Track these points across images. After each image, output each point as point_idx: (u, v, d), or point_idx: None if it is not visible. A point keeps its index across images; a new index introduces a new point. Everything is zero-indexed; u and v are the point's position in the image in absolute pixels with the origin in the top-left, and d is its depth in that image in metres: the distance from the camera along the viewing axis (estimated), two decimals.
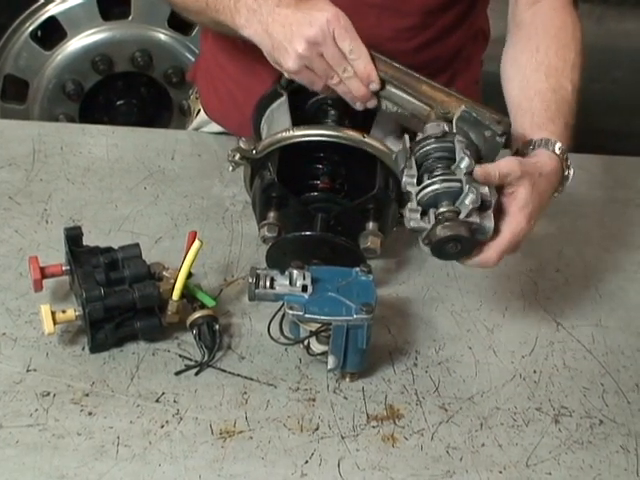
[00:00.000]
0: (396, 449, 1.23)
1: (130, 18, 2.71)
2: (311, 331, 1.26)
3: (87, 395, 1.25)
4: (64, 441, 1.18)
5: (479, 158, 1.26)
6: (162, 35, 2.73)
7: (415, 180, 1.25)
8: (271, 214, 1.40)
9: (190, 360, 1.31)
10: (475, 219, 1.21)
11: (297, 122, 1.44)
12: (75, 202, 1.58)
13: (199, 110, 1.88)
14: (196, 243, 1.29)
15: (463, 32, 1.70)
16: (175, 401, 1.25)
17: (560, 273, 1.55)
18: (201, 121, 1.87)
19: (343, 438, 1.23)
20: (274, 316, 1.30)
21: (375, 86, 1.36)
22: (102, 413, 1.22)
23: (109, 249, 1.33)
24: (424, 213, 1.23)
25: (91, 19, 2.69)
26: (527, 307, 1.48)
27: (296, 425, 1.24)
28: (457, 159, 1.24)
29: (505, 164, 1.25)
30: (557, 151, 1.33)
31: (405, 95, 1.37)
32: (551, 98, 1.39)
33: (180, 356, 1.32)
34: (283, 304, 1.27)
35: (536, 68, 1.44)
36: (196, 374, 1.29)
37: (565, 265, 1.57)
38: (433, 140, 1.27)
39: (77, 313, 1.27)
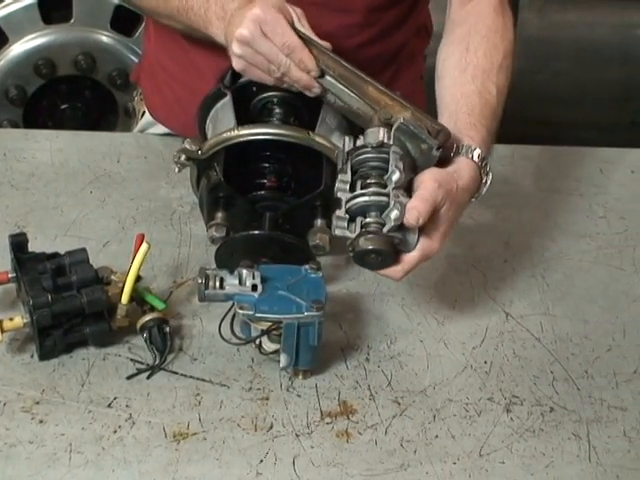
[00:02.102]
0: (350, 444, 1.23)
1: (72, 21, 2.69)
2: (262, 330, 1.26)
3: (38, 403, 1.24)
4: (16, 450, 1.17)
5: (415, 168, 1.28)
6: (105, 37, 2.71)
7: (348, 187, 1.27)
8: (219, 214, 1.40)
9: (141, 364, 1.30)
10: (398, 234, 1.23)
11: (242, 121, 1.44)
12: (20, 208, 1.57)
13: (144, 112, 1.87)
14: (144, 246, 1.28)
15: (406, 29, 1.71)
16: (127, 405, 1.24)
17: (508, 264, 1.57)
18: (146, 122, 1.86)
19: (297, 436, 1.23)
20: (225, 316, 1.30)
21: (314, 74, 1.38)
22: (53, 420, 1.21)
23: (56, 255, 1.32)
24: (352, 220, 1.25)
25: (32, 23, 2.67)
26: (476, 298, 1.49)
27: (250, 425, 1.24)
28: (389, 171, 1.25)
29: (431, 197, 1.24)
30: (476, 158, 1.34)
31: (351, 93, 1.38)
32: (476, 102, 1.40)
33: (131, 360, 1.31)
34: (233, 304, 1.27)
35: (464, 69, 1.45)
36: (148, 377, 1.29)
37: (512, 256, 1.58)
38: (370, 149, 1.28)
39: (25, 320, 1.26)
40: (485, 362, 1.38)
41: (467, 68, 1.45)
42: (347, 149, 1.30)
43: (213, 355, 1.33)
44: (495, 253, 1.59)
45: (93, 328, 1.29)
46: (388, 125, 1.31)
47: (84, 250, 1.32)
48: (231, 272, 1.29)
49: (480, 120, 1.39)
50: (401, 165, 1.24)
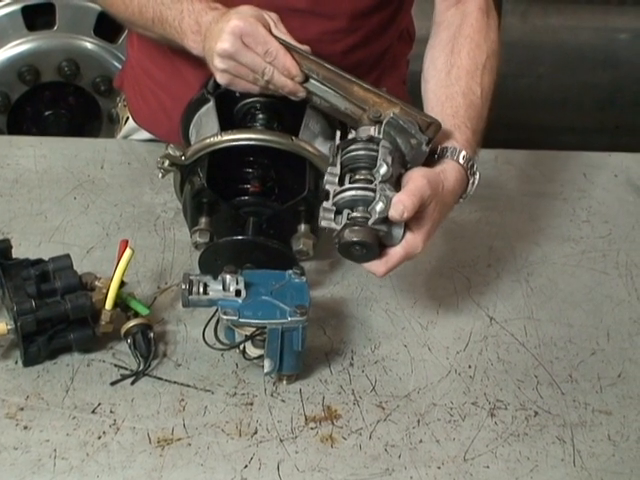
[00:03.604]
0: (335, 449, 1.23)
1: (55, 28, 2.69)
2: (246, 335, 1.26)
3: (22, 409, 1.23)
4: (0, 456, 1.17)
5: (404, 164, 1.28)
6: (88, 44, 2.71)
7: (337, 179, 1.27)
8: (202, 220, 1.40)
9: (126, 369, 1.30)
10: (383, 227, 1.23)
11: (225, 127, 1.44)
12: (4, 214, 1.56)
13: (127, 117, 1.87)
14: (128, 251, 1.28)
15: (390, 34, 1.71)
16: (112, 411, 1.24)
17: (492, 268, 1.57)
18: (130, 128, 1.86)
19: (282, 441, 1.23)
20: (209, 322, 1.30)
21: (299, 79, 1.39)
22: (38, 427, 1.21)
23: (40, 261, 1.32)
24: (338, 212, 1.25)
25: (16, 30, 2.67)
26: (460, 303, 1.49)
27: (234, 430, 1.24)
28: (377, 165, 1.25)
29: (419, 192, 1.24)
30: (461, 160, 1.34)
31: (337, 95, 1.39)
32: (460, 103, 1.41)
33: (115, 366, 1.31)
34: (217, 309, 1.27)
35: (449, 71, 1.45)
36: (132, 383, 1.28)
37: (496, 260, 1.59)
38: (359, 143, 1.28)
39: (9, 327, 1.26)
40: (469, 366, 1.38)
41: (451, 70, 1.45)
42: (337, 142, 1.30)
43: (197, 361, 1.33)
44: (479, 257, 1.59)
45: (77, 334, 1.29)
46: (378, 123, 1.31)
47: (68, 256, 1.32)
48: (215, 277, 1.29)
49: (465, 122, 1.40)
50: (389, 159, 1.25)
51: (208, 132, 1.44)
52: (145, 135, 1.82)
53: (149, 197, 1.65)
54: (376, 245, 1.24)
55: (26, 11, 2.66)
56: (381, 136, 1.28)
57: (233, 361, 1.33)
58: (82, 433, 1.21)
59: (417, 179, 1.25)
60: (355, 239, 1.22)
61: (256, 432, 1.24)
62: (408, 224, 1.26)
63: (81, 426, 1.22)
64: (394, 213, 1.22)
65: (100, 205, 1.61)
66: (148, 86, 1.77)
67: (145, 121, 1.81)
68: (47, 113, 2.79)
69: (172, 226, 1.58)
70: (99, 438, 1.21)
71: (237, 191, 1.44)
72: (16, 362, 1.29)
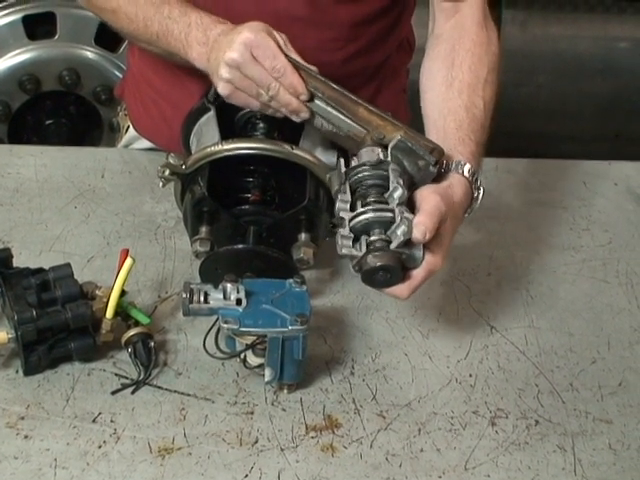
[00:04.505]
0: (335, 458, 1.23)
1: (56, 37, 2.70)
2: (247, 344, 1.26)
3: (22, 418, 1.23)
4: (1, 465, 1.17)
5: (412, 185, 1.28)
6: (89, 53, 2.72)
7: (348, 206, 1.26)
8: (203, 229, 1.40)
9: (126, 378, 1.30)
10: (405, 249, 1.23)
11: (226, 136, 1.44)
12: (4, 224, 1.57)
13: (128, 126, 1.87)
14: (128, 261, 1.28)
15: (389, 43, 1.72)
16: (112, 421, 1.24)
17: (492, 277, 1.57)
18: (130, 137, 1.86)
19: (282, 450, 1.23)
20: (209, 331, 1.30)
21: (304, 97, 1.38)
22: (38, 436, 1.21)
23: (40, 270, 1.32)
24: (356, 240, 1.24)
25: (17, 39, 2.67)
26: (461, 311, 1.49)
27: (235, 439, 1.24)
28: (390, 188, 1.25)
29: (436, 210, 1.24)
30: (466, 174, 1.34)
31: (341, 116, 1.38)
32: (463, 117, 1.41)
33: (116, 375, 1.31)
34: (218, 318, 1.27)
35: (450, 84, 1.45)
36: (133, 392, 1.28)
37: (496, 269, 1.59)
38: (368, 167, 1.28)
39: (9, 336, 1.26)
40: (470, 375, 1.38)
41: (453, 83, 1.45)
42: (343, 169, 1.30)
43: (198, 370, 1.33)
44: (479, 266, 1.59)
45: (78, 343, 1.29)
46: (381, 145, 1.31)
47: (68, 265, 1.32)
48: (215, 286, 1.29)
49: (469, 135, 1.40)
50: (401, 181, 1.25)
51: (209, 141, 1.44)
52: (146, 144, 1.82)
53: (150, 206, 1.65)
54: (400, 269, 1.23)
55: (27, 20, 2.67)
56: (389, 159, 1.28)
57: (234, 370, 1.33)
58: (83, 442, 1.21)
59: (431, 198, 1.25)
60: (379, 264, 1.21)
61: (257, 441, 1.24)
62: (427, 243, 1.25)
63: (82, 435, 1.22)
64: (417, 235, 1.21)
65: (101, 214, 1.62)
66: (149, 95, 1.77)
67: (146, 130, 1.81)
68: (48, 122, 2.80)
69: (173, 235, 1.58)
70: (99, 447, 1.21)
71: (237, 200, 1.44)
72: (17, 371, 1.29)
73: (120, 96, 1.91)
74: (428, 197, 1.26)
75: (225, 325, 1.25)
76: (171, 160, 1.42)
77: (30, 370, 1.28)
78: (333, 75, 1.62)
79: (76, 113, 2.82)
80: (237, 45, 1.35)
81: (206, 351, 1.29)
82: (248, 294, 1.28)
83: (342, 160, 1.33)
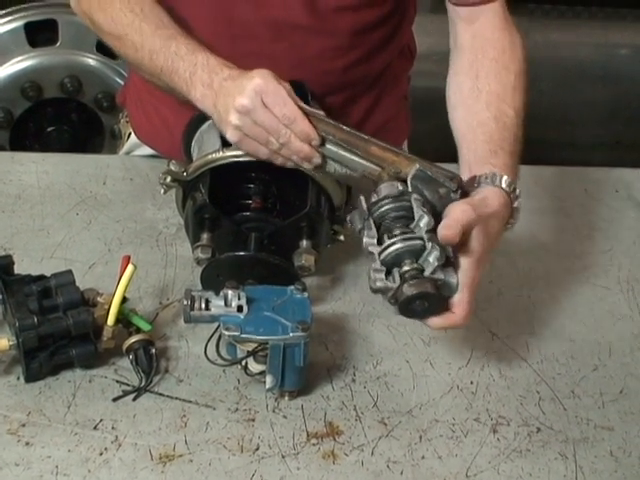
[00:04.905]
0: (337, 466, 1.23)
1: (58, 44, 2.70)
2: (248, 351, 1.26)
3: (24, 425, 1.23)
4: (2, 472, 1.17)
5: (435, 215, 1.26)
6: (91, 60, 2.72)
7: (376, 240, 1.25)
8: (204, 235, 1.40)
9: (127, 385, 1.30)
10: (440, 275, 1.22)
11: (227, 142, 1.44)
12: (6, 230, 1.57)
13: (130, 133, 1.87)
14: (130, 267, 1.28)
15: (390, 50, 1.71)
16: (113, 427, 1.24)
17: (493, 284, 1.57)
18: (132, 144, 1.86)
19: (284, 457, 1.23)
20: (210, 338, 1.30)
21: (316, 142, 1.35)
22: (39, 443, 1.21)
23: (42, 277, 1.32)
24: (388, 272, 1.23)
25: (19, 46, 2.68)
26: None
27: (236, 446, 1.24)
28: (416, 217, 1.24)
29: (462, 215, 1.23)
30: (503, 185, 1.32)
31: (354, 157, 1.37)
32: (493, 128, 1.39)
33: (117, 382, 1.31)
34: (219, 325, 1.27)
35: (477, 96, 1.43)
36: (134, 399, 1.28)
37: (498, 276, 1.58)
38: (390, 200, 1.27)
39: (11, 342, 1.26)
40: (471, 382, 1.38)
41: (480, 95, 1.43)
42: (365, 206, 1.29)
43: (199, 376, 1.33)
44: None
45: (79, 350, 1.29)
46: (399, 179, 1.31)
47: (70, 272, 1.32)
48: (217, 293, 1.29)
49: (500, 145, 1.37)
50: (425, 209, 1.24)
51: (210, 148, 1.44)
52: (147, 151, 1.82)
53: (151, 213, 1.65)
54: (438, 295, 1.22)
55: (29, 27, 2.67)
56: (410, 189, 1.28)
57: (235, 377, 1.33)
58: (84, 449, 1.21)
59: (456, 206, 1.24)
60: (416, 292, 1.20)
61: (258, 448, 1.24)
62: (460, 263, 1.24)
63: (83, 442, 1.22)
64: (443, 232, 1.20)
65: (102, 221, 1.62)
66: (150, 101, 1.78)
67: (147, 137, 1.81)
68: (49, 129, 2.80)
69: (174, 242, 1.58)
70: (101, 454, 1.20)
71: (239, 207, 1.44)
72: (18, 378, 1.29)
73: (122, 103, 1.91)
74: (454, 207, 1.25)
75: (226, 332, 1.24)
76: (172, 167, 1.42)
77: (31, 377, 1.28)
78: (334, 83, 1.63)
79: (78, 120, 2.83)
80: (248, 91, 1.32)
81: (207, 358, 1.29)
82: (249, 301, 1.28)
83: (362, 197, 1.31)
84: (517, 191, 1.34)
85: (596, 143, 3.12)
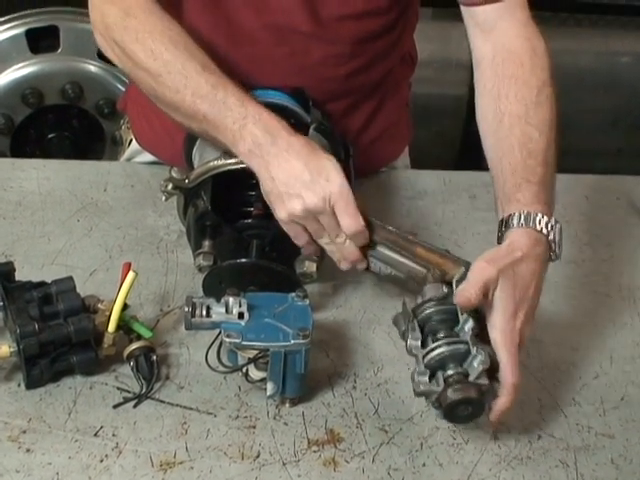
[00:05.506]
0: (338, 473, 1.23)
1: (59, 50, 2.70)
2: (249, 358, 1.26)
3: (24, 432, 1.23)
4: (2, 479, 1.17)
5: (478, 313, 1.26)
6: (92, 67, 2.72)
7: (419, 343, 1.26)
8: (206, 242, 1.40)
9: (128, 392, 1.30)
10: (484, 380, 1.22)
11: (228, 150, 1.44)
12: (7, 237, 1.57)
13: (131, 140, 1.87)
14: (131, 274, 1.28)
15: (392, 58, 1.72)
16: (114, 434, 1.24)
17: None
18: (133, 151, 1.86)
19: (284, 464, 1.23)
20: (211, 345, 1.30)
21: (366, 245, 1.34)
22: (40, 450, 1.21)
23: (42, 283, 1.32)
24: (432, 375, 1.23)
25: (20, 52, 2.68)
26: None
27: (237, 453, 1.23)
28: (461, 321, 1.24)
29: (479, 276, 1.22)
30: (530, 223, 1.29)
31: (401, 258, 1.36)
32: (518, 158, 1.35)
33: (118, 389, 1.31)
34: (220, 332, 1.27)
35: (500, 120, 1.39)
36: (134, 406, 1.28)
37: None
38: (435, 303, 1.28)
39: (12, 349, 1.26)
40: None
41: (503, 119, 1.40)
42: (410, 307, 1.29)
43: (200, 383, 1.33)
44: None
45: (80, 357, 1.29)
46: (444, 282, 1.31)
47: (71, 279, 1.32)
48: (218, 300, 1.29)
49: (526, 178, 1.33)
50: (471, 313, 1.24)
51: (211, 155, 1.44)
52: (148, 158, 1.82)
53: (152, 220, 1.65)
54: (482, 401, 1.22)
55: (30, 34, 2.68)
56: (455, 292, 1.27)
57: (236, 384, 1.33)
58: (84, 456, 1.21)
59: (475, 266, 1.24)
60: (461, 397, 1.20)
61: (259, 455, 1.23)
62: (489, 317, 1.24)
63: (83, 449, 1.22)
64: (459, 299, 1.21)
65: (103, 228, 1.62)
66: (152, 108, 1.76)
67: (148, 144, 1.81)
68: (50, 136, 2.80)
69: (175, 249, 1.58)
70: (101, 461, 1.20)
71: (240, 214, 1.45)
72: (19, 385, 1.29)
73: (123, 109, 1.92)
74: (473, 267, 1.24)
75: (227, 339, 1.24)
76: (174, 174, 1.42)
77: (32, 383, 1.28)
78: (336, 90, 1.63)
79: (79, 126, 2.83)
80: (324, 195, 1.29)
81: (208, 365, 1.29)
82: (250, 308, 1.28)
83: (406, 299, 1.32)
84: (551, 223, 1.31)
85: (597, 151, 3.12)
